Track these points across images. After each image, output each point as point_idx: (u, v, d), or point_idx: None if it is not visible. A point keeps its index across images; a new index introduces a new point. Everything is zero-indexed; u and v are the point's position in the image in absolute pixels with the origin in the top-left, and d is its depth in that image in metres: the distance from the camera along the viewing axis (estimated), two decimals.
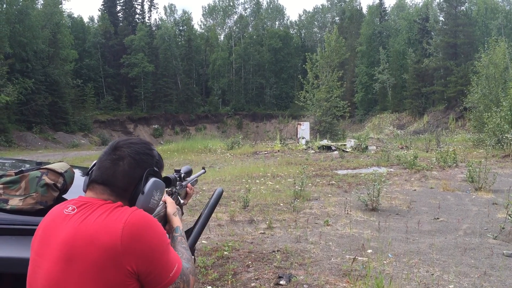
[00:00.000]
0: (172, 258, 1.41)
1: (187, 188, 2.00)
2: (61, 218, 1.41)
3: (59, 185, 2.19)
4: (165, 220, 1.75)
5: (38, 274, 1.38)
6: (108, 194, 1.45)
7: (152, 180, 1.49)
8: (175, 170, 1.95)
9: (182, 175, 1.95)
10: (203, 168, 2.50)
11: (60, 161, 2.46)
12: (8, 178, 2.17)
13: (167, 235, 1.48)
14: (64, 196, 2.25)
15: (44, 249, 1.39)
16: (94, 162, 1.54)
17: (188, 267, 1.51)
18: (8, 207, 2.08)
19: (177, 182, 1.90)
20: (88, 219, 1.35)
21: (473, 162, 11.04)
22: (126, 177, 1.46)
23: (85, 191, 1.52)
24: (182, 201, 1.92)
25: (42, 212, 2.04)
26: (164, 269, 1.37)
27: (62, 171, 2.25)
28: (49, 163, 2.46)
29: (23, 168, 2.35)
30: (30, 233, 1.64)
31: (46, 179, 2.16)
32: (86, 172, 1.58)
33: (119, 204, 1.41)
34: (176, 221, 1.73)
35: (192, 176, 2.15)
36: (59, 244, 1.35)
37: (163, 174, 1.77)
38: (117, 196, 1.45)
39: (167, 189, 1.81)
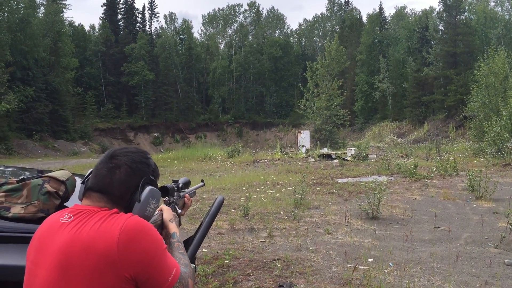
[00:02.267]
0: (170, 263, 1.40)
1: (185, 199, 2.00)
2: (57, 227, 1.40)
3: (60, 193, 2.20)
4: (162, 228, 1.75)
5: (34, 284, 1.37)
6: (104, 202, 1.45)
7: (148, 188, 1.49)
8: (173, 180, 1.96)
9: (180, 186, 1.96)
10: (202, 181, 2.50)
11: (62, 169, 2.46)
12: (10, 186, 2.18)
13: (164, 241, 1.47)
14: (65, 204, 2.26)
15: (40, 257, 1.38)
16: (90, 170, 1.55)
17: (186, 271, 1.50)
18: (10, 215, 2.08)
19: (175, 192, 1.90)
20: (84, 227, 1.34)
21: (473, 171, 11.02)
22: (122, 185, 1.46)
23: (81, 199, 1.52)
24: (179, 211, 1.92)
25: (43, 220, 2.05)
26: (162, 274, 1.36)
27: (64, 179, 2.26)
28: (50, 171, 2.46)
29: (24, 176, 2.36)
30: None
31: (48, 187, 2.16)
32: (82, 180, 1.57)
33: (114, 211, 1.41)
34: (173, 227, 1.72)
35: (191, 188, 2.17)
36: (56, 252, 1.34)
37: (161, 184, 1.78)
38: (113, 204, 1.45)
39: (164, 198, 1.82)
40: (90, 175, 1.53)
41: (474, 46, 49.34)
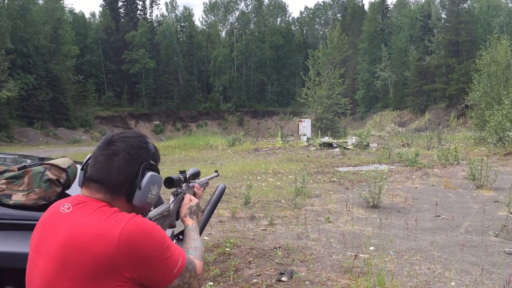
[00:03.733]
0: (175, 256, 1.37)
1: (195, 189, 1.96)
2: (57, 217, 1.39)
3: (62, 180, 2.19)
4: (169, 219, 1.73)
5: (35, 272, 1.37)
6: (103, 193, 1.40)
7: (149, 174, 1.44)
8: (180, 171, 1.90)
9: (188, 176, 1.91)
10: (216, 171, 2.44)
11: (63, 157, 2.46)
12: (11, 173, 2.17)
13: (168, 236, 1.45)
14: (67, 191, 2.26)
15: (41, 247, 1.37)
16: (89, 156, 1.50)
17: (195, 254, 1.51)
18: (11, 202, 2.08)
19: (183, 184, 1.87)
20: (84, 224, 1.31)
21: (474, 160, 11.02)
22: (121, 173, 1.41)
23: (80, 186, 1.48)
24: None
25: (45, 208, 2.03)
26: (165, 270, 1.35)
27: (65, 167, 2.25)
28: (51, 159, 2.46)
29: (25, 164, 2.35)
30: (33, 228, 1.63)
31: (49, 174, 2.16)
32: (81, 166, 1.54)
33: (116, 210, 1.37)
34: (186, 221, 1.73)
35: (203, 178, 2.13)
36: (55, 245, 1.33)
37: (168, 175, 1.77)
38: (113, 194, 1.41)
39: (172, 189, 1.79)
40: (88, 162, 1.48)
41: (476, 34, 49.09)
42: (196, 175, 2.01)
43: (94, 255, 1.26)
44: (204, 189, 2.10)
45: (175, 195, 1.80)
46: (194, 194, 1.95)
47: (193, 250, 1.54)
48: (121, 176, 1.41)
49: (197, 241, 1.62)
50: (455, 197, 9.45)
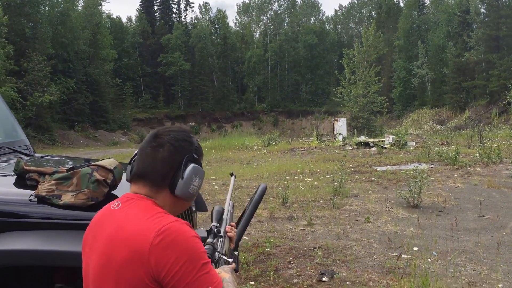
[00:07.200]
0: (209, 277, 1.32)
1: (227, 234, 1.73)
2: (108, 213, 1.45)
3: (109, 181, 2.25)
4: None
5: (89, 267, 1.42)
6: (149, 186, 1.45)
7: (191, 165, 1.48)
8: (206, 231, 1.70)
9: (216, 230, 1.68)
10: (231, 174, 2.19)
11: (109, 158, 2.51)
12: (60, 175, 2.24)
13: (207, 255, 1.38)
14: (113, 192, 2.31)
15: (94, 243, 1.43)
16: (136, 151, 1.56)
17: None
18: (61, 202, 2.14)
19: (213, 240, 1.65)
20: (128, 220, 1.36)
21: None
22: (165, 163, 1.46)
23: (128, 180, 1.54)
24: (233, 265, 1.61)
25: (93, 208, 2.10)
26: (195, 285, 1.29)
27: (112, 168, 2.31)
28: (97, 160, 2.52)
29: (74, 165, 2.42)
30: (81, 227, 1.67)
31: (97, 175, 2.22)
32: (129, 160, 1.60)
33: (161, 211, 1.40)
34: (223, 274, 1.48)
35: (225, 214, 1.83)
36: (103, 240, 1.38)
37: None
38: (157, 187, 1.45)
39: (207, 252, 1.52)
40: (135, 157, 1.55)
41: None
42: (221, 214, 1.80)
43: (130, 249, 1.30)
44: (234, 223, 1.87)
45: (215, 262, 1.58)
46: (230, 238, 1.74)
47: None
48: (164, 167, 1.46)
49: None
50: (499, 196, 9.16)
